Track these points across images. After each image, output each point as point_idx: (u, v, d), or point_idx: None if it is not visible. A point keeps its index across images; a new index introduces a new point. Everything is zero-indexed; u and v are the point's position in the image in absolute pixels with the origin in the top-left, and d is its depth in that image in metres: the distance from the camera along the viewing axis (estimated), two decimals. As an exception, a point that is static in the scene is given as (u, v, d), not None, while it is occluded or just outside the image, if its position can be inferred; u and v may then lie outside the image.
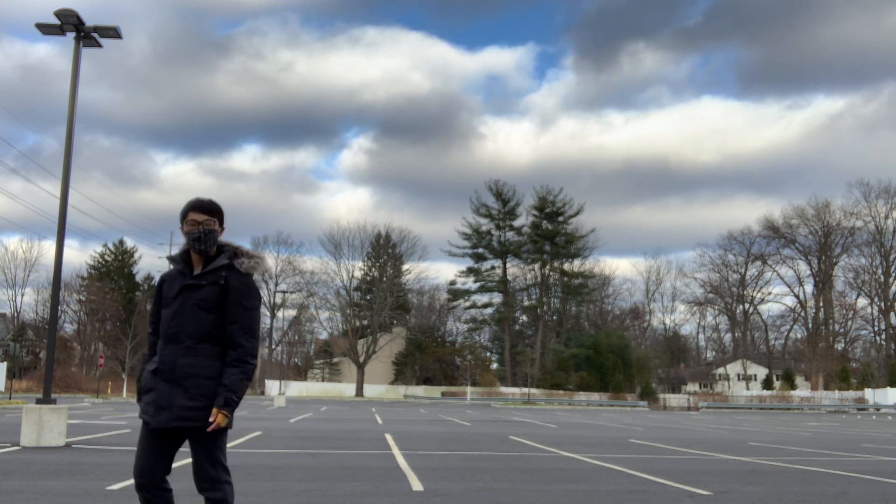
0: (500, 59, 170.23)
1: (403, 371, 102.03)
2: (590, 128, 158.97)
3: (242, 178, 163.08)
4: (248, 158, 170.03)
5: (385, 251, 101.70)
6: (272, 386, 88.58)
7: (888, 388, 68.97)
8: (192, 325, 3.72)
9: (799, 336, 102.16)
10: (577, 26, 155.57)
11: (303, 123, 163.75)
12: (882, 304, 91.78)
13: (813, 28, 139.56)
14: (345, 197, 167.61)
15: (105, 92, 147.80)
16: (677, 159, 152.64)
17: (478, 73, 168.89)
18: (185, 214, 3.86)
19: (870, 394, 70.46)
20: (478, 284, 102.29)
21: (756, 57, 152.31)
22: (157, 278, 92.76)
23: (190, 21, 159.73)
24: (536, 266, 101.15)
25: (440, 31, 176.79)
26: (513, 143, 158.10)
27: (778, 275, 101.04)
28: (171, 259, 3.96)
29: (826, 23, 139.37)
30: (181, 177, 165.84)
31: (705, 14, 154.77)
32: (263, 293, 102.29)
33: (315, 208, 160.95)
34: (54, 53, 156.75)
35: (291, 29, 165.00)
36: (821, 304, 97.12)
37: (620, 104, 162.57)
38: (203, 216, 3.83)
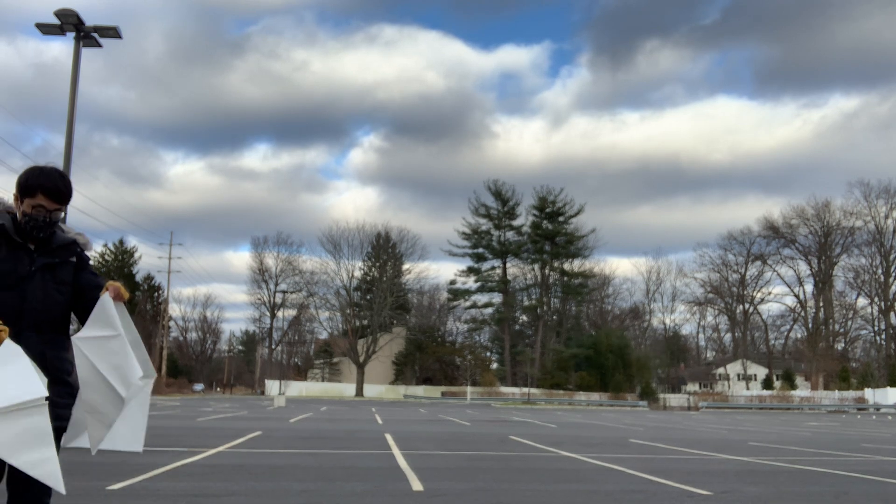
0: (516, 57, 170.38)
1: (403, 371, 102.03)
2: (602, 126, 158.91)
3: (252, 176, 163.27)
4: (259, 157, 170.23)
5: (385, 251, 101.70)
6: (272, 386, 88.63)
7: (888, 388, 68.97)
8: (54, 312, 3.26)
9: (799, 336, 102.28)
10: (594, 23, 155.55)
11: (315, 122, 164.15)
12: (882, 304, 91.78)
13: (831, 26, 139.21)
14: (352, 196, 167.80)
15: (118, 90, 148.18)
16: (688, 159, 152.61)
17: (493, 72, 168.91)
18: (30, 191, 3.22)
19: (870, 394, 70.45)
20: (478, 284, 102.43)
21: (773, 55, 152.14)
22: (157, 278, 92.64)
23: (206, 20, 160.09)
24: (536, 266, 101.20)
25: (456, 29, 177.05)
26: (525, 142, 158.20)
27: (778, 275, 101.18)
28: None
29: (845, 21, 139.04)
30: (190, 176, 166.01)
31: (723, 12, 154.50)
32: (263, 293, 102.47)
33: (321, 207, 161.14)
34: (68, 52, 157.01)
35: (307, 27, 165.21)
36: (821, 304, 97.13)
37: (634, 103, 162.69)
38: (54, 204, 3.25)
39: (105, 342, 3.16)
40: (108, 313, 3.19)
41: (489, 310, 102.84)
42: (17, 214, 3.25)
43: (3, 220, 3.24)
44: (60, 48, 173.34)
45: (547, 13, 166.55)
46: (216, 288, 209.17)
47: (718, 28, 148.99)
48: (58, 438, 3.14)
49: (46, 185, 3.20)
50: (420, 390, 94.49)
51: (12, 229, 3.24)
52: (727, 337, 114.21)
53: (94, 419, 3.23)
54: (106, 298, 3.20)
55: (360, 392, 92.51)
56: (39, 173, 3.22)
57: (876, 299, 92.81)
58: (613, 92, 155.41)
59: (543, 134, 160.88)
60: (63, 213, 3.29)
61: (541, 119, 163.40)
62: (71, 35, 15.52)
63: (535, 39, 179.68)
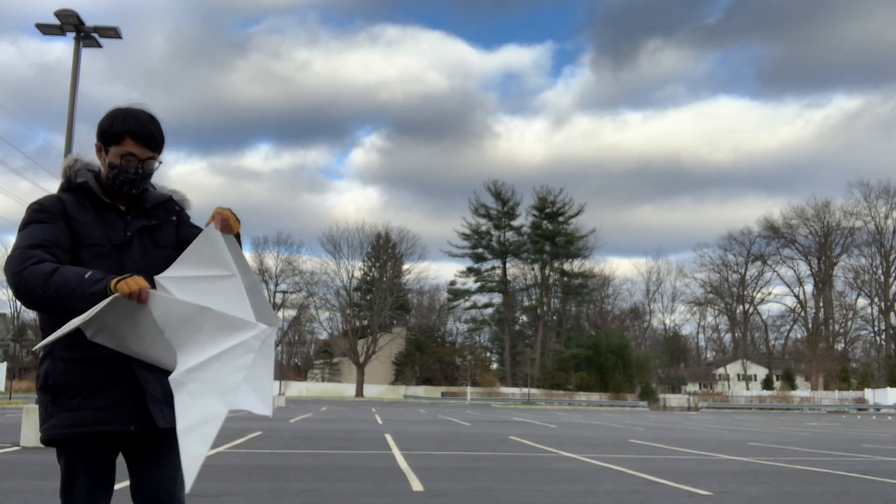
0: (518, 57, 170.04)
1: (403, 371, 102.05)
2: (604, 126, 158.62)
3: (253, 176, 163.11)
4: (260, 157, 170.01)
5: (385, 251, 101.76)
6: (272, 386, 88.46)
7: (888, 389, 68.98)
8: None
9: (799, 336, 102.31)
10: (596, 23, 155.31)
11: (317, 122, 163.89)
12: (882, 305, 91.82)
13: (834, 25, 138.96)
14: (353, 196, 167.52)
15: (120, 90, 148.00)
16: (690, 158, 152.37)
17: (495, 72, 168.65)
18: (116, 137, 2.61)
19: (870, 394, 70.47)
20: (478, 285, 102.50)
21: (776, 55, 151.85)
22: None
23: (209, 20, 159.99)
24: (536, 266, 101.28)
25: (459, 29, 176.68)
26: (526, 142, 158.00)
27: (778, 275, 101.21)
28: (78, 187, 2.65)
29: (848, 20, 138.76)
30: (191, 176, 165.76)
31: (726, 11, 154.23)
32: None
33: (322, 207, 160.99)
34: (70, 52, 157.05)
35: (310, 27, 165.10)
36: (821, 305, 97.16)
37: (636, 103, 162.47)
38: (147, 151, 2.64)
39: (210, 283, 2.42)
40: (216, 247, 2.45)
41: (489, 310, 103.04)
42: (102, 169, 2.68)
43: (86, 178, 2.65)
44: (62, 48, 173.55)
45: (549, 13, 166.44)
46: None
47: (721, 28, 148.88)
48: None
49: (136, 130, 2.61)
50: (420, 390, 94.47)
51: (98, 188, 2.65)
52: (727, 337, 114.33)
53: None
54: (211, 231, 2.47)
55: (360, 392, 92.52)
56: (125, 115, 2.63)
57: (876, 300, 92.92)
58: (615, 92, 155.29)
59: (545, 134, 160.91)
60: (157, 164, 2.70)
61: (542, 119, 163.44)
62: (71, 35, 15.53)
63: (538, 39, 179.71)
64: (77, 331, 2.40)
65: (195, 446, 2.26)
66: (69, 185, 2.66)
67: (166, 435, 2.59)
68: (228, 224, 2.49)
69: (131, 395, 2.54)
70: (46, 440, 2.56)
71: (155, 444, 2.62)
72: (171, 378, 2.35)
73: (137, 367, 2.54)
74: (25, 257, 2.43)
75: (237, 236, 2.58)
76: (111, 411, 2.49)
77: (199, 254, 2.46)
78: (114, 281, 2.33)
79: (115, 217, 2.65)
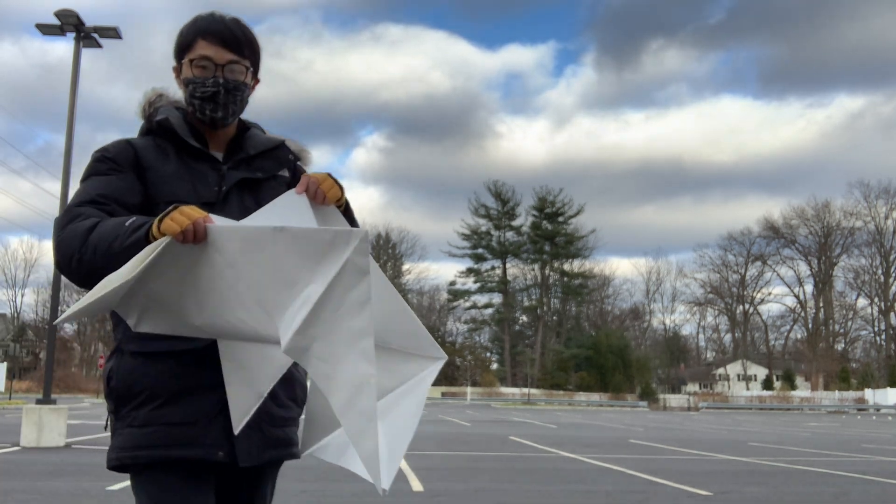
0: (521, 57, 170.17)
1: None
2: (606, 126, 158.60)
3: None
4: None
5: (385, 251, 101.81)
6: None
7: (888, 389, 68.97)
8: None
9: (799, 336, 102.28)
10: (599, 23, 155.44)
11: (319, 122, 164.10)
12: (882, 305, 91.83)
13: (837, 25, 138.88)
14: (354, 196, 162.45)
15: (123, 90, 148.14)
16: (692, 159, 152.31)
17: (498, 72, 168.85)
18: (188, 44, 1.97)
19: (870, 394, 70.46)
20: (478, 285, 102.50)
21: (779, 55, 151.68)
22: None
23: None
24: (536, 266, 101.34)
25: (462, 29, 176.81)
26: (528, 142, 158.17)
27: (778, 275, 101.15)
28: (160, 126, 1.97)
29: (851, 20, 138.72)
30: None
31: (729, 11, 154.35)
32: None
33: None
34: (72, 52, 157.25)
35: (313, 27, 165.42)
36: (821, 305, 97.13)
37: (639, 102, 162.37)
38: (226, 53, 1.95)
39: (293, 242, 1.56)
40: (299, 213, 1.72)
41: (489, 310, 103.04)
42: (184, 96, 2.01)
43: (168, 114, 1.97)
44: (63, 48, 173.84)
45: (552, 13, 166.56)
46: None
47: (724, 27, 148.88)
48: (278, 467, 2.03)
49: (208, 28, 1.95)
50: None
51: (184, 128, 1.97)
52: (727, 337, 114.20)
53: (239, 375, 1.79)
54: (291, 196, 1.76)
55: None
56: (197, 17, 2.00)
57: (876, 300, 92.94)
58: (618, 92, 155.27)
59: (547, 134, 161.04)
60: (248, 76, 2.04)
61: (545, 119, 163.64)
62: (71, 35, 15.53)
63: (540, 39, 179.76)
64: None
65: (364, 430, 1.54)
66: (148, 127, 2.02)
67: (262, 471, 1.96)
68: (317, 192, 1.77)
69: (224, 407, 1.78)
70: (109, 467, 1.85)
71: (251, 478, 1.94)
72: (287, 349, 1.56)
73: (196, 371, 1.83)
74: (71, 216, 1.77)
75: (347, 210, 1.88)
76: (192, 428, 1.77)
77: (272, 215, 1.70)
78: (156, 220, 1.62)
79: (206, 167, 1.96)
